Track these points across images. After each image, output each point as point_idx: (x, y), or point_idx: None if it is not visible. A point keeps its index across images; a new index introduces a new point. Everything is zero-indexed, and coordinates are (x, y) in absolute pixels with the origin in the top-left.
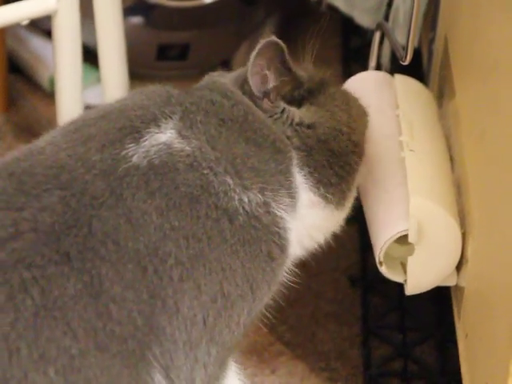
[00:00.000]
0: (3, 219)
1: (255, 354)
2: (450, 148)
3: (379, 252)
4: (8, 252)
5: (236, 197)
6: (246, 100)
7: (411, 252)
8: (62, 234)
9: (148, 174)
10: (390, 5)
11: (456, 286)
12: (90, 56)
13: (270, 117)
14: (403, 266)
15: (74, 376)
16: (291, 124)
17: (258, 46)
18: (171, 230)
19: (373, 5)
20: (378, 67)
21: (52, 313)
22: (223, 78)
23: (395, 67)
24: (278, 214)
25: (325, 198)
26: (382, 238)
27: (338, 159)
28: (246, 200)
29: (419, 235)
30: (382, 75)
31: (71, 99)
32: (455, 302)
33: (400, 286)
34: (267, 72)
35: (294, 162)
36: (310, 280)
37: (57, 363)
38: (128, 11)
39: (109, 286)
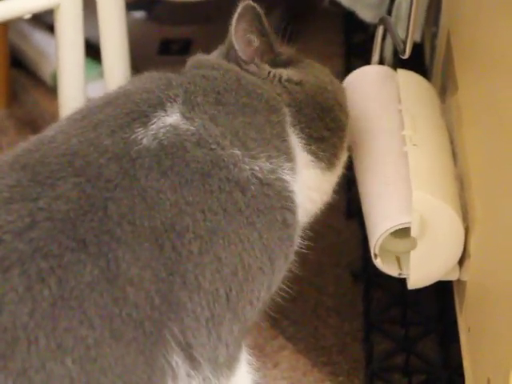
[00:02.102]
0: (20, 210)
1: (257, 349)
2: (452, 142)
3: (375, 245)
4: (26, 242)
5: (247, 167)
6: (234, 66)
7: (407, 246)
8: (78, 220)
9: (159, 154)
10: (392, 0)
11: (458, 281)
12: (93, 50)
13: (259, 78)
14: (398, 259)
15: (91, 365)
16: (280, 81)
17: (237, 11)
18: (187, 205)
19: (375, 0)
20: (381, 62)
21: (69, 302)
22: (206, 56)
23: (398, 62)
24: (285, 178)
25: (316, 155)
26: (378, 231)
27: (327, 113)
28: (257, 168)
29: (422, 229)
30: (384, 70)
31: (74, 94)
32: (457, 296)
33: (402, 281)
34: (250, 35)
35: (288, 118)
36: (311, 275)
37: (74, 353)
38: (130, 6)
39: (125, 268)
